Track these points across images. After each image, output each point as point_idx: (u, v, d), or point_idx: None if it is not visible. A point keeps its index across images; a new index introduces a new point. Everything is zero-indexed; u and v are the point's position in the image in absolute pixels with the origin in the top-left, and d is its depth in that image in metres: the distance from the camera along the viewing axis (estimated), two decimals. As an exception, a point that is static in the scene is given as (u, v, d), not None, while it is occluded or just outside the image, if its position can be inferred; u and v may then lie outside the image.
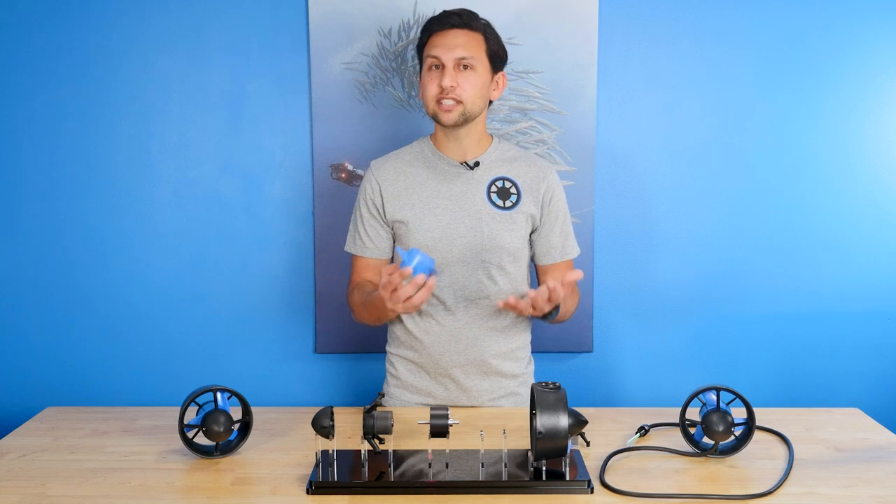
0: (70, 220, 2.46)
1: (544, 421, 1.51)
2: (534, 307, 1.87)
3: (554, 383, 1.57)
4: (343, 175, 2.43)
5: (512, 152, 2.09)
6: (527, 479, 1.56)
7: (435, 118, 2.00)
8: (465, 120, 1.98)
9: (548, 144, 2.42)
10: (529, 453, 1.65)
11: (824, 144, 2.46)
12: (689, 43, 2.42)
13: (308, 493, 1.54)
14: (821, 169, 2.47)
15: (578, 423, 1.58)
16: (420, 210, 2.00)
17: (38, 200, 2.45)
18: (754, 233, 2.49)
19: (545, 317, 1.96)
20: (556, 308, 1.93)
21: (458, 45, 1.96)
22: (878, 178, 2.48)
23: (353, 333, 2.46)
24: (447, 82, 1.94)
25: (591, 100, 2.41)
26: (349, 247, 2.10)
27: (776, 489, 1.55)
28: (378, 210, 2.05)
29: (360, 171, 2.42)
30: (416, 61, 2.10)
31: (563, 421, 1.52)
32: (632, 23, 2.41)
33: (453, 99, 1.95)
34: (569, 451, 1.60)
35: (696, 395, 1.72)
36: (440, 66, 1.97)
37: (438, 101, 1.96)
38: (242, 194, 2.46)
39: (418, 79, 2.08)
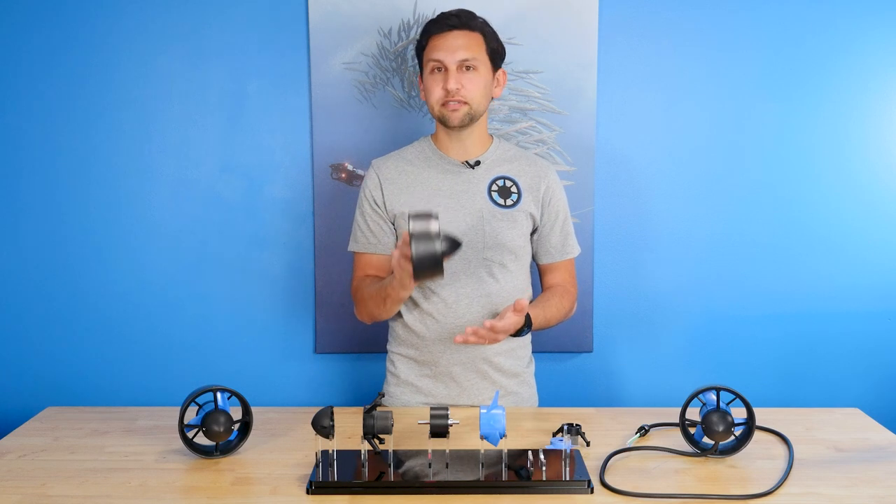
0: (70, 220, 2.46)
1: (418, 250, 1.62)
2: (493, 330, 1.80)
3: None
4: (343, 175, 2.43)
5: (512, 152, 2.10)
6: (527, 479, 1.56)
7: (441, 120, 2.00)
8: (471, 119, 1.99)
9: (548, 144, 2.42)
10: (531, 454, 1.65)
11: (824, 144, 2.46)
12: (689, 43, 2.42)
13: (308, 493, 1.54)
14: (820, 169, 2.47)
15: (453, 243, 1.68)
16: (422, 207, 2.00)
17: (38, 200, 2.45)
18: (754, 233, 2.48)
19: (517, 333, 1.91)
20: (528, 324, 1.92)
21: (459, 47, 1.96)
22: (878, 178, 2.47)
23: (353, 333, 2.46)
24: (452, 85, 1.94)
25: (591, 100, 2.41)
26: (352, 246, 2.10)
27: (776, 489, 1.55)
28: (380, 205, 2.05)
29: (360, 171, 2.42)
30: (416, 62, 2.10)
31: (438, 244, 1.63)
32: (632, 23, 2.41)
33: (458, 101, 1.95)
34: (569, 451, 1.61)
35: (696, 395, 1.72)
36: (443, 69, 1.97)
37: (444, 104, 1.96)
38: (242, 194, 2.46)
39: (418, 80, 2.08)
